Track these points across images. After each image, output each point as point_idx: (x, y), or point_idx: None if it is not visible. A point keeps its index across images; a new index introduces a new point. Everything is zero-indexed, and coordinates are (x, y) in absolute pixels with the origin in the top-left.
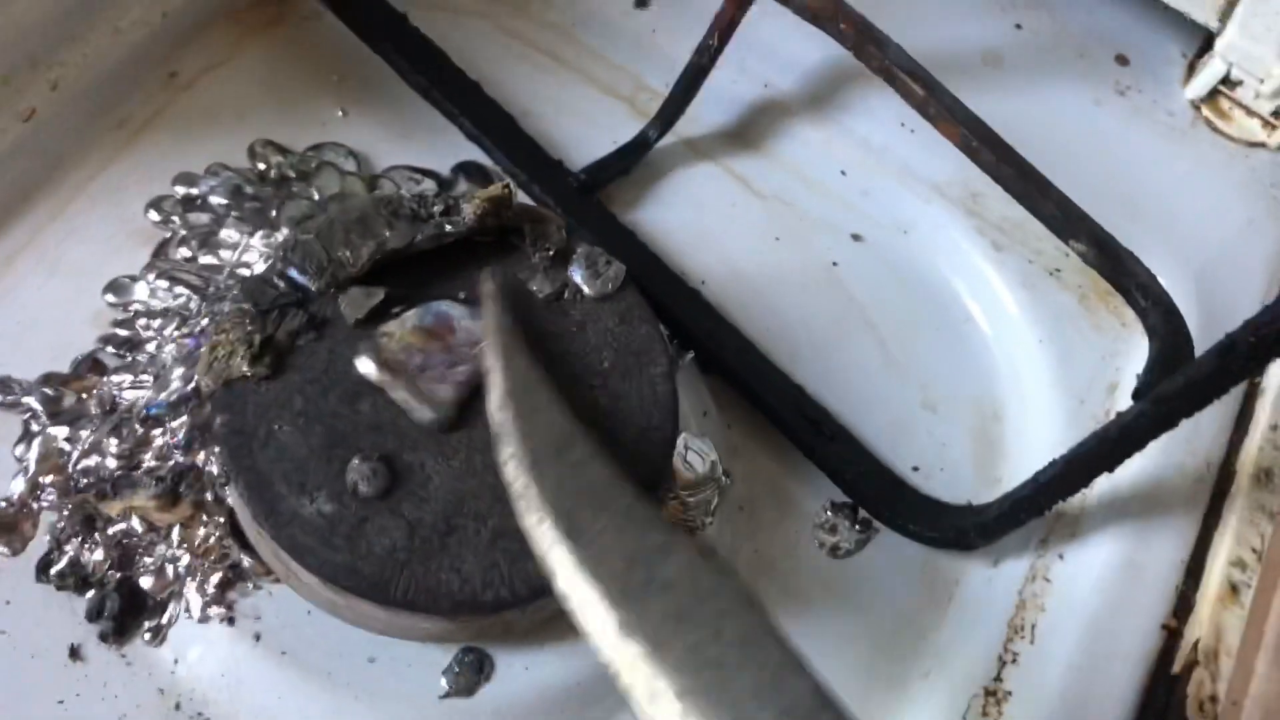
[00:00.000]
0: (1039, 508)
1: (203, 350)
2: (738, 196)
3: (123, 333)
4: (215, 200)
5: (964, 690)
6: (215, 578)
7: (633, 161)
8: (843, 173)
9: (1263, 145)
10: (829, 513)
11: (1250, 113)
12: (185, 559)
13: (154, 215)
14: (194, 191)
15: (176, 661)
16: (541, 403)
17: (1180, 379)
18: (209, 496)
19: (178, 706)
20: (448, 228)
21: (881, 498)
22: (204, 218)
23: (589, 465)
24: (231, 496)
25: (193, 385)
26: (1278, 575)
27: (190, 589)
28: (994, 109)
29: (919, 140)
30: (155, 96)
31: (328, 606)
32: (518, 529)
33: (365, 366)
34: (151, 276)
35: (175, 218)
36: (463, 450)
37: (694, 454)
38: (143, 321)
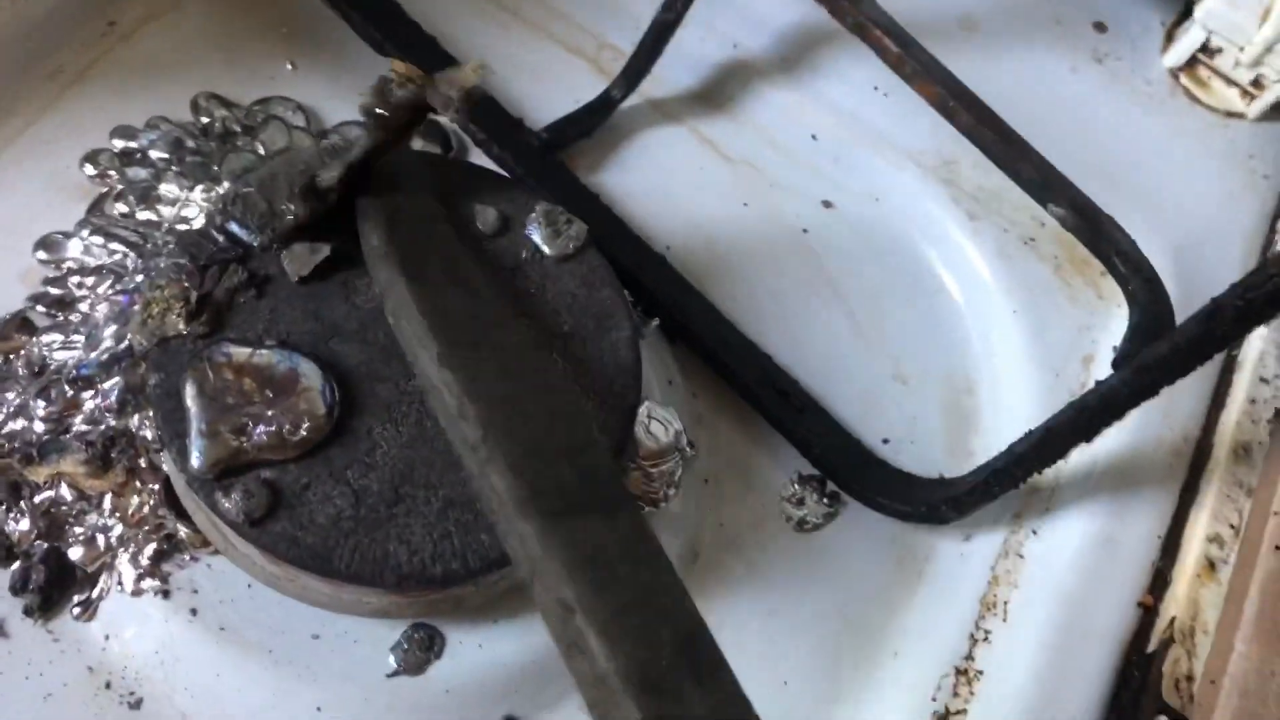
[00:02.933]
0: (1014, 479)
1: (136, 307)
2: (705, 160)
3: (54, 291)
4: (155, 154)
5: (935, 669)
6: (149, 549)
7: (596, 122)
8: (814, 137)
9: (1241, 115)
10: (796, 485)
11: (1229, 81)
12: (118, 529)
13: (90, 169)
14: (133, 145)
15: (107, 638)
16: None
17: (1164, 345)
18: (143, 462)
19: (108, 685)
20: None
21: (851, 471)
22: (143, 172)
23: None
24: (166, 462)
25: (125, 344)
26: (1256, 552)
27: (123, 561)
28: (970, 75)
29: (892, 105)
30: (92, 46)
31: (268, 579)
32: (470, 499)
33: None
34: (86, 233)
35: (112, 172)
36: (413, 416)
37: (657, 423)
38: (76, 279)
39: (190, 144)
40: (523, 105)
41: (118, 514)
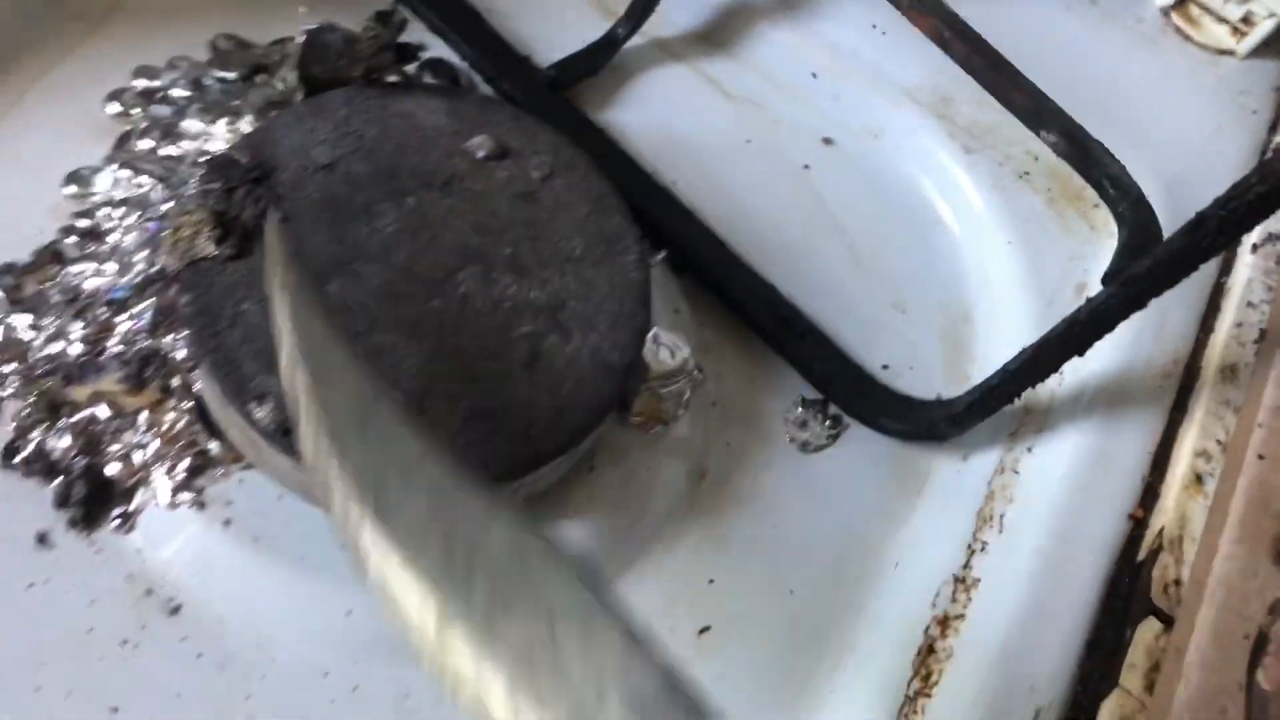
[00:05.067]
0: (1009, 395)
1: (165, 232)
2: (709, 98)
3: (84, 223)
4: (177, 93)
5: (934, 578)
6: (184, 464)
7: (602, 60)
8: (814, 76)
9: (1231, 53)
10: (800, 409)
11: (1219, 19)
12: (153, 445)
13: (114, 107)
14: (155, 84)
15: (146, 548)
16: (338, 365)
17: (1149, 259)
18: (176, 381)
19: (148, 592)
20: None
21: (852, 393)
22: (165, 110)
23: (395, 433)
24: (200, 380)
25: (157, 268)
26: (1240, 462)
27: (159, 475)
28: (968, 14)
29: (890, 43)
30: None
31: (299, 489)
32: (490, 410)
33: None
34: (113, 167)
35: (136, 109)
36: (434, 333)
37: (665, 348)
38: (104, 211)
39: (210, 82)
40: (531, 44)
41: (153, 431)
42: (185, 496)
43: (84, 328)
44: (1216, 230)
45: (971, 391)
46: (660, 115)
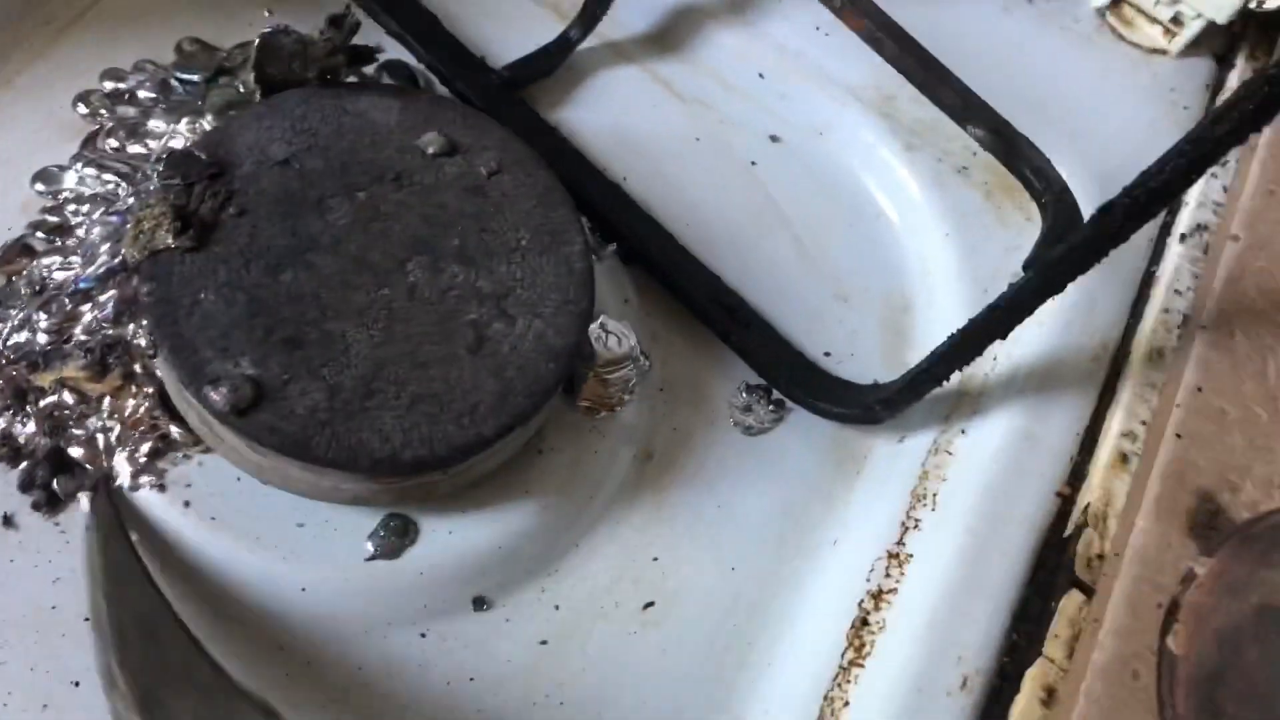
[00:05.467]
0: (938, 378)
1: (128, 225)
2: (659, 98)
3: (52, 219)
4: (143, 94)
5: (869, 554)
6: (145, 447)
7: (556, 62)
8: (760, 76)
9: (1163, 52)
10: (744, 394)
11: (1151, 20)
12: (116, 429)
13: (82, 108)
14: (122, 86)
15: None
16: (133, 584)
17: (1064, 245)
18: (138, 368)
19: None
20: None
21: (793, 379)
22: (131, 110)
23: (172, 643)
24: (159, 366)
25: (119, 259)
26: (1160, 440)
27: (120, 459)
28: (906, 15)
29: (833, 44)
30: None
31: (254, 470)
32: (437, 393)
33: None
34: (80, 165)
35: (103, 110)
36: (383, 320)
37: (613, 335)
38: (72, 208)
39: (175, 84)
40: (486, 46)
41: (116, 416)
42: (146, 479)
43: (50, 317)
44: (1124, 217)
45: (904, 376)
46: (612, 114)
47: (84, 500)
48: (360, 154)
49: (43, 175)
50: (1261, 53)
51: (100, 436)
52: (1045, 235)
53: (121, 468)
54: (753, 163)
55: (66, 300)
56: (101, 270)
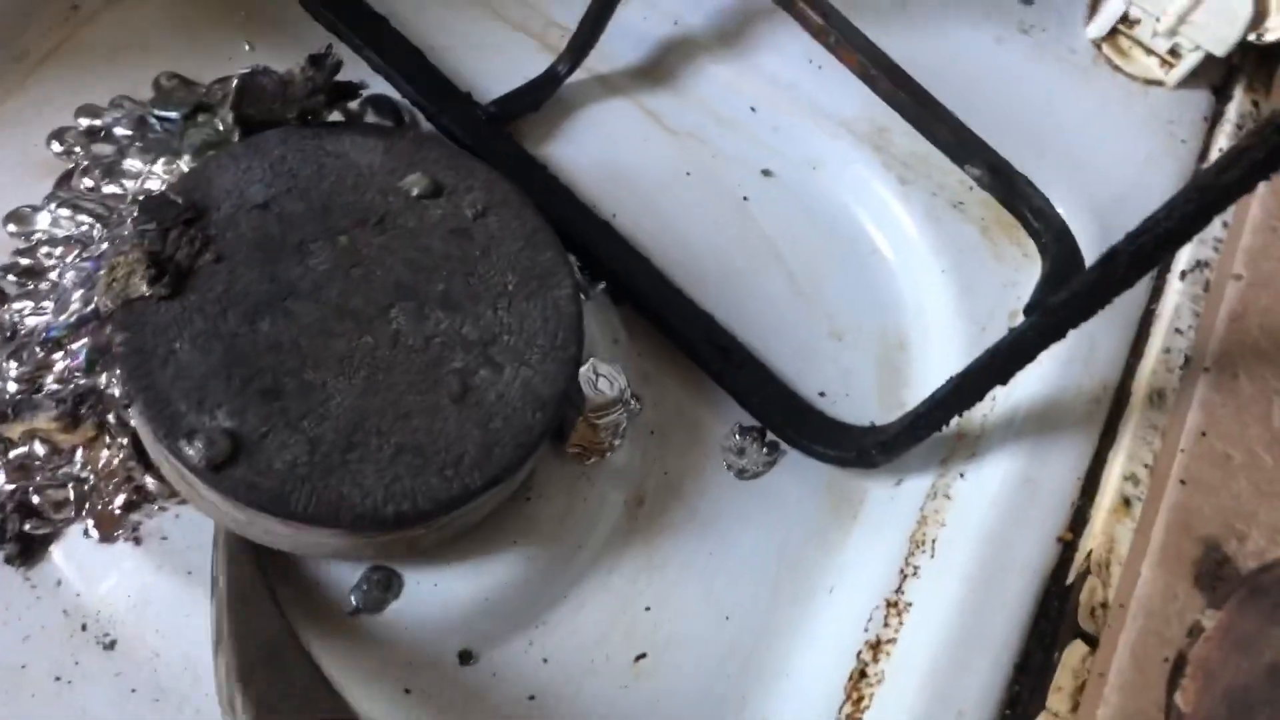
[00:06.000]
0: (937, 423)
1: (101, 272)
2: (649, 132)
3: (24, 261)
4: (119, 131)
5: (867, 602)
6: (120, 499)
7: (543, 96)
8: (753, 109)
9: (1160, 83)
10: (737, 436)
11: (1148, 51)
12: (90, 480)
13: (56, 146)
14: (97, 123)
15: (81, 585)
16: (258, 606)
17: (1066, 291)
18: (111, 418)
19: (84, 628)
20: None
21: (788, 421)
22: (108, 148)
23: (295, 668)
24: (134, 417)
25: (92, 307)
26: (1164, 486)
27: (95, 511)
28: (900, 47)
29: (826, 77)
30: (56, 29)
31: (232, 524)
32: (420, 445)
33: None
34: (53, 206)
35: (78, 148)
36: (365, 369)
37: (603, 379)
38: (45, 250)
39: (153, 121)
40: (472, 82)
41: (89, 467)
42: (120, 533)
43: (20, 366)
44: (1128, 264)
45: (902, 419)
46: (601, 149)
47: (56, 553)
48: (341, 196)
49: (15, 216)
50: (1259, 85)
51: (72, 488)
52: (1046, 278)
53: (95, 521)
54: (745, 197)
55: (38, 349)
56: (74, 318)
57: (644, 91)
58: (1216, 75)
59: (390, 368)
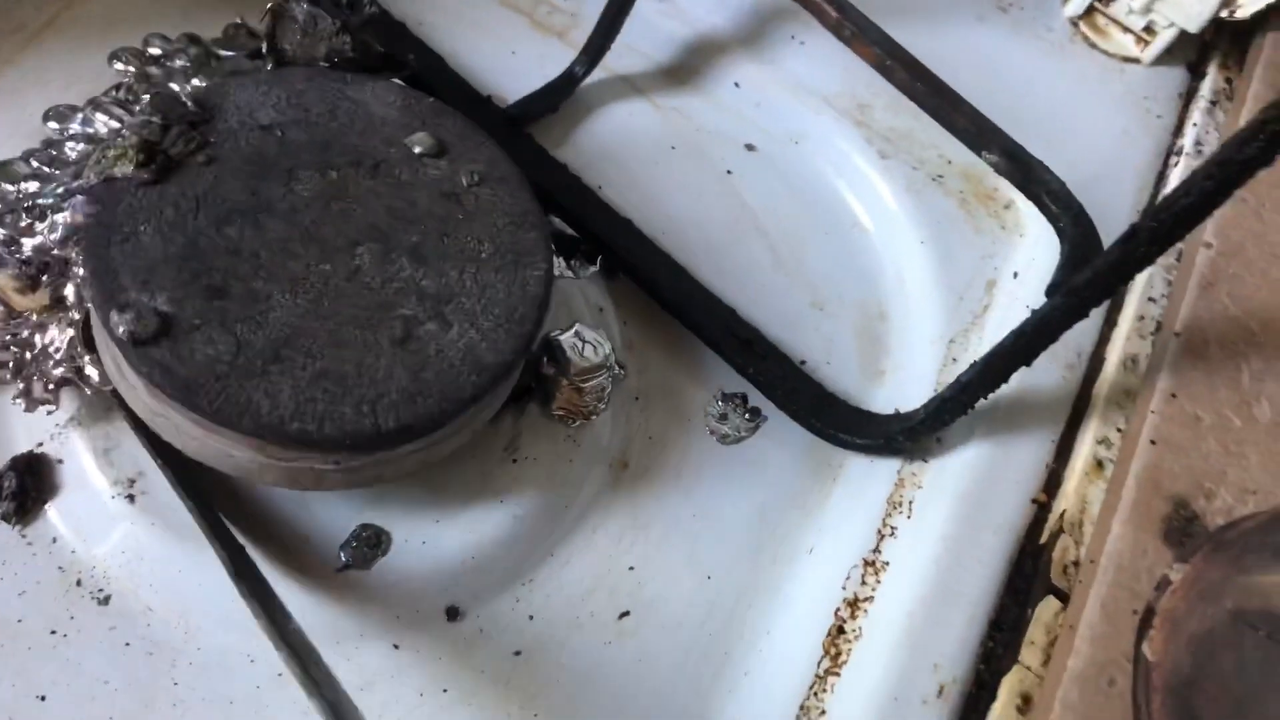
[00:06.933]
0: (963, 406)
1: (95, 150)
2: (636, 107)
3: (51, 151)
4: (177, 63)
5: (846, 562)
6: (56, 373)
7: (560, 99)
8: (736, 85)
9: (1136, 60)
10: (720, 402)
11: (1124, 28)
12: (35, 348)
13: (117, 65)
14: (156, 51)
15: (77, 541)
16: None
17: (1089, 270)
18: (70, 293)
19: (78, 583)
20: None
21: (813, 411)
22: (157, 71)
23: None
24: (84, 288)
25: (79, 181)
26: (1135, 446)
27: (28, 379)
28: (880, 24)
29: (808, 53)
30: (50, 3)
31: (147, 416)
32: (344, 375)
33: None
34: (91, 109)
35: (132, 68)
36: (314, 294)
37: (589, 345)
38: (70, 145)
39: (212, 61)
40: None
41: (37, 335)
42: (48, 407)
43: (4, 229)
44: (1149, 240)
45: (927, 405)
46: (590, 123)
47: (52, 511)
48: (346, 137)
49: (55, 112)
50: (1232, 62)
51: (15, 351)
52: (1067, 259)
53: (25, 387)
54: (729, 171)
55: (24, 214)
56: (61, 189)
57: (631, 68)
58: (1191, 52)
59: (339, 297)
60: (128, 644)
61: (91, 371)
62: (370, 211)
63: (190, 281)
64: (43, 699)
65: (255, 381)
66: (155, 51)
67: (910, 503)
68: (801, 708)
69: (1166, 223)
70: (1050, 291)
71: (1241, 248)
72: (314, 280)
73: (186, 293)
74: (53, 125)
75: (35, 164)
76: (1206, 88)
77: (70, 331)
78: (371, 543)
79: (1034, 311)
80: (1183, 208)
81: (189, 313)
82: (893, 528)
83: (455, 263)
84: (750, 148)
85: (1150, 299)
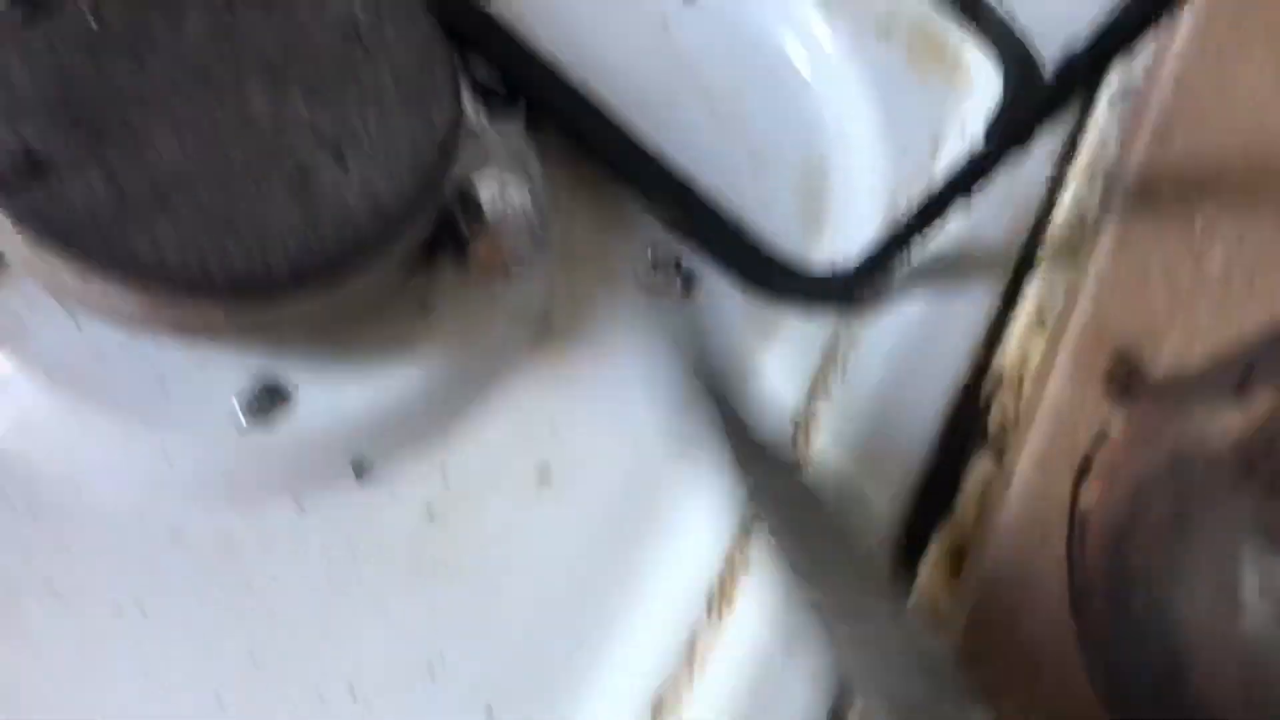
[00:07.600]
0: (900, 244)
1: None
2: None
3: None
4: None
5: (776, 420)
6: None
7: None
8: None
9: None
10: (651, 260)
11: None
12: None
13: None
14: None
15: None
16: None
17: (1027, 100)
18: None
19: None
20: None
21: (759, 278)
22: None
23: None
24: None
25: None
26: (1075, 301)
27: None
28: None
29: None
30: None
31: (21, 265)
32: (233, 218)
33: None
34: None
35: None
36: (203, 134)
37: (507, 196)
38: None
39: None
40: None
41: None
42: None
43: None
44: (1088, 67)
45: (862, 253)
46: None
47: None
48: None
49: None
50: None
51: None
52: (1010, 101)
53: None
54: (666, 26)
55: None
56: None
57: None
58: None
59: (229, 140)
60: (12, 508)
61: None
62: (263, 49)
63: (66, 122)
64: None
65: (137, 224)
66: None
67: (845, 359)
68: (726, 560)
69: (1099, 51)
70: (989, 134)
71: (1199, 96)
72: (202, 122)
73: (62, 133)
74: None
75: None
76: None
77: None
78: (271, 395)
79: (972, 149)
80: (1120, 30)
81: (65, 154)
82: (827, 387)
83: (354, 103)
84: (689, 1)
85: (1103, 145)
